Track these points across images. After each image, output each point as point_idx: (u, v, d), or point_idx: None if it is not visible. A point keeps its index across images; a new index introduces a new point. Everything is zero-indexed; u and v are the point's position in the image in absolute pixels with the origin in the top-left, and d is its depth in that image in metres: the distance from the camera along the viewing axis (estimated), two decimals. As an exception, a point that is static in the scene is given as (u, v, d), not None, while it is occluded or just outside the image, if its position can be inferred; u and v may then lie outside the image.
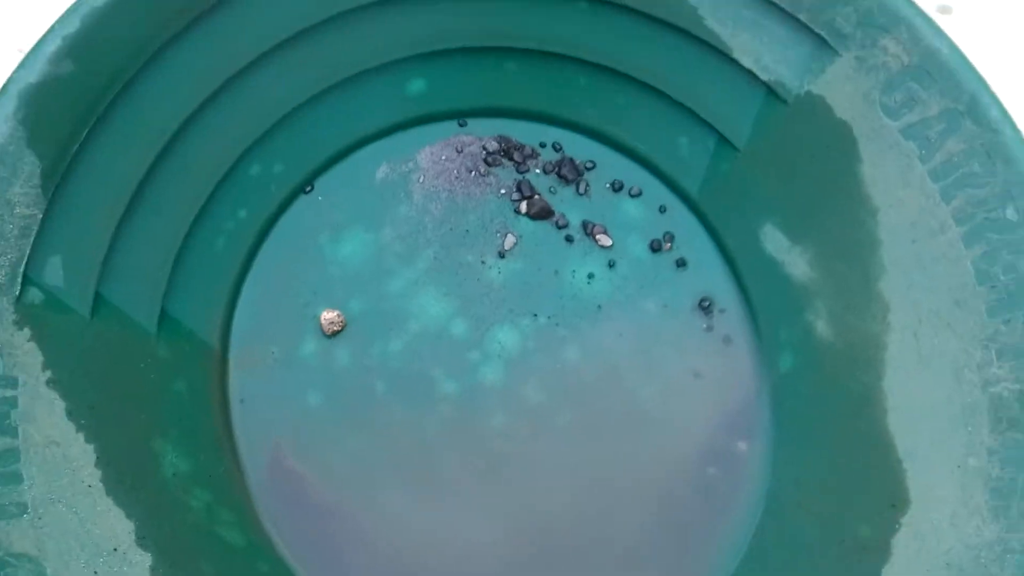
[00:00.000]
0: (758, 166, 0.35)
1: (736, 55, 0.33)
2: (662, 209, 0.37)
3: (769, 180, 0.35)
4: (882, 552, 0.31)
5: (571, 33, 0.35)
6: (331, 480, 0.33)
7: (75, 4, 0.29)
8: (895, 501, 0.31)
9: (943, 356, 0.32)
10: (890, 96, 0.31)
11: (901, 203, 0.32)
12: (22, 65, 0.28)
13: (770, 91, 0.33)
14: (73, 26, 0.28)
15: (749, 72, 0.33)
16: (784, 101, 0.33)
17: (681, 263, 0.36)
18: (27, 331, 0.29)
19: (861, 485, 0.32)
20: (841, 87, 0.32)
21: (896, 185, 0.32)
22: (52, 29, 0.28)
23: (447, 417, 0.34)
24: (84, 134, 0.29)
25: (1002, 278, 0.31)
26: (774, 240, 0.35)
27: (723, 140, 0.35)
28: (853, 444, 0.33)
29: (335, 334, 0.34)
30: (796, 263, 0.35)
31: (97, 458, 0.29)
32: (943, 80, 0.30)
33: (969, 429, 0.31)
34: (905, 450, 0.32)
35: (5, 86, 0.28)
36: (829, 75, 0.32)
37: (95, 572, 0.28)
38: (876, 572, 0.31)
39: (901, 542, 0.31)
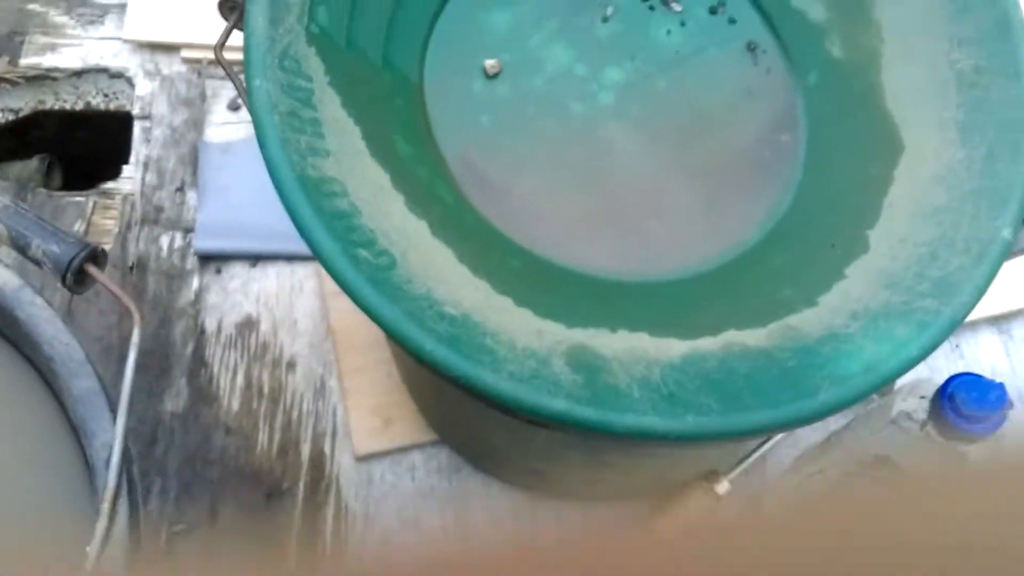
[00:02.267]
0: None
1: None
2: (715, -16, 0.52)
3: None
4: (887, 181, 0.46)
5: None
6: (498, 169, 0.47)
7: None
8: (894, 148, 0.46)
9: (921, 52, 0.47)
10: None
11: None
12: None
13: None
14: None
15: None
16: None
17: (732, 20, 0.51)
18: (313, 48, 0.43)
19: (870, 145, 0.47)
20: None
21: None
22: None
23: (578, 125, 0.48)
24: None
25: (958, -6, 0.46)
26: (798, -5, 0.50)
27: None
28: (863, 121, 0.48)
29: (495, 75, 0.49)
30: (815, 9, 0.50)
31: (361, 133, 0.44)
32: None
33: (943, 94, 0.46)
34: (899, 117, 0.47)
35: None
36: None
37: (375, 196, 0.42)
38: (883, 193, 0.46)
39: (900, 172, 0.46)
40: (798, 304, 0.42)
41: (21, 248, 0.38)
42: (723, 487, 0.62)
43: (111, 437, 0.35)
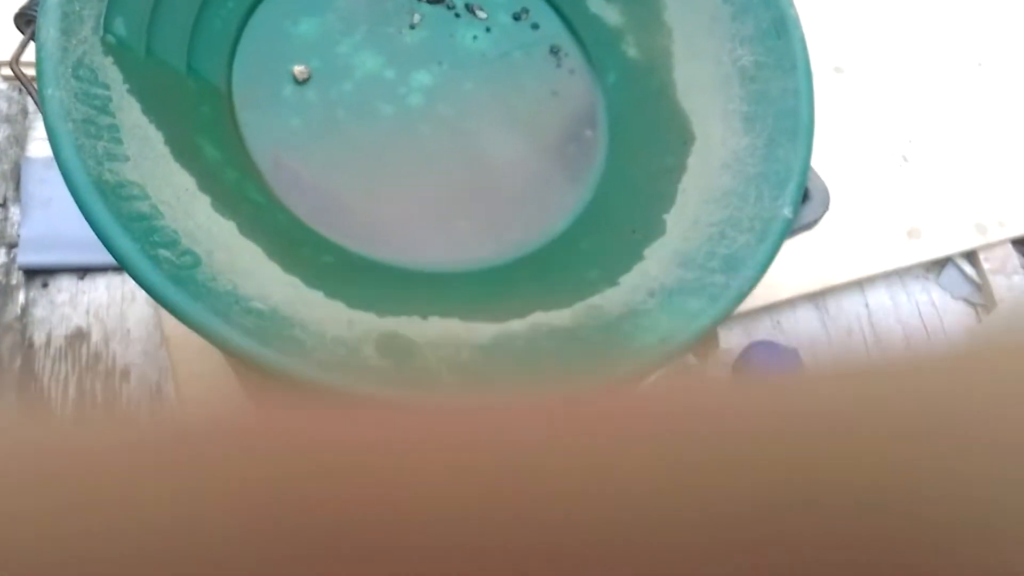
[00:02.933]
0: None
1: None
2: (517, -8, 0.54)
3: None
4: (680, 170, 0.49)
5: None
6: (310, 170, 0.48)
7: None
8: (685, 139, 0.49)
9: (707, 51, 0.50)
10: None
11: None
12: None
13: None
14: None
15: None
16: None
17: (535, 26, 0.54)
18: (110, 58, 0.43)
19: (665, 137, 0.50)
20: None
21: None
22: None
23: (389, 126, 0.50)
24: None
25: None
26: (595, 2, 0.53)
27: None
28: (658, 115, 0.50)
29: (305, 81, 0.50)
30: (610, 14, 0.53)
31: (164, 138, 0.44)
32: None
33: (727, 88, 0.49)
34: (690, 109, 0.50)
35: None
36: None
37: (178, 199, 0.42)
38: (678, 181, 0.48)
39: (692, 161, 0.49)
40: (601, 285, 0.44)
41: None
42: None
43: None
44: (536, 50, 0.53)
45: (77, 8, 0.43)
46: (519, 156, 0.50)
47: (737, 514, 0.15)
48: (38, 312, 0.67)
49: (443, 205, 0.48)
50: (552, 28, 0.53)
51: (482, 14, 0.53)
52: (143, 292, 0.39)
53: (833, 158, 0.78)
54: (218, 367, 0.64)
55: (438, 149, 0.49)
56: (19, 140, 0.72)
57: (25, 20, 0.46)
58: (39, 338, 0.66)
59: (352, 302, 0.42)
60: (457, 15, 0.53)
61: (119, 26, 0.44)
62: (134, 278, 0.38)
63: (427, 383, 0.39)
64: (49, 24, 0.41)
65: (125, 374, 0.65)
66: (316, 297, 0.41)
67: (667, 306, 0.43)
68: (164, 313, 0.67)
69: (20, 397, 0.63)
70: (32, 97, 0.44)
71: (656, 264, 0.45)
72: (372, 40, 0.51)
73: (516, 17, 0.53)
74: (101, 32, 0.43)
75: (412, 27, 0.52)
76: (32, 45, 0.45)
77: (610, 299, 0.43)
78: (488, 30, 0.53)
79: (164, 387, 0.65)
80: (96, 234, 0.39)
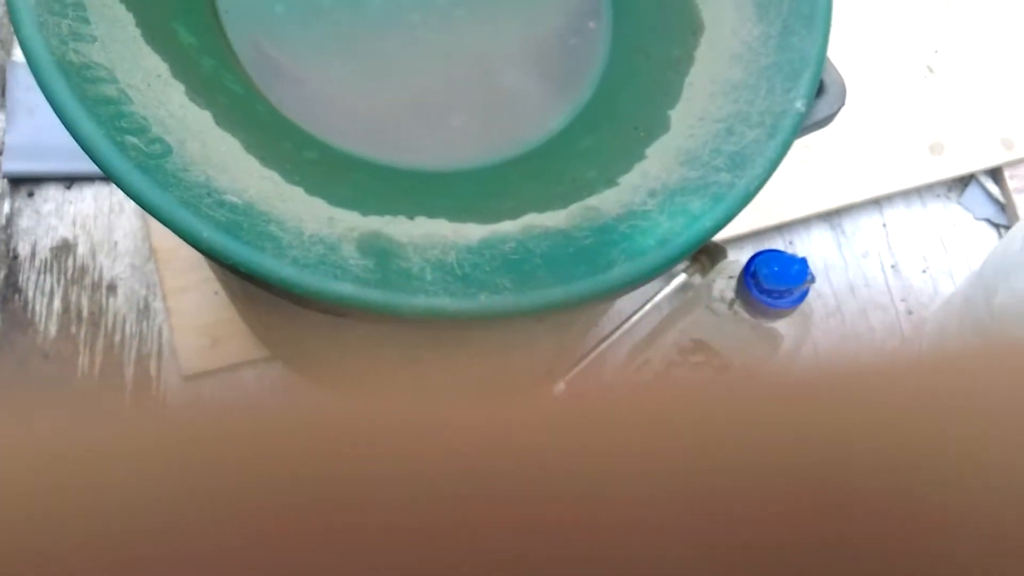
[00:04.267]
0: None
1: None
2: None
3: None
4: (688, 62, 0.45)
5: None
6: (293, 60, 0.45)
7: None
8: (694, 29, 0.46)
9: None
10: None
11: None
12: None
13: None
14: None
15: None
16: None
17: (536, -93, 0.50)
18: (75, -72, 0.40)
19: (673, 26, 0.46)
20: None
21: None
22: None
23: (378, 15, 0.46)
24: None
25: None
26: None
27: None
28: (665, 4, 0.47)
29: (289, -36, 0.46)
30: None
31: (135, 21, 0.41)
32: None
33: (740, -27, 0.46)
34: None
35: None
36: None
37: (149, 85, 0.39)
38: (684, 74, 0.45)
39: (701, 52, 0.45)
40: (599, 185, 0.42)
41: None
42: (559, 388, 0.62)
43: None
44: (537, -66, 0.49)
45: None
46: (517, 48, 0.47)
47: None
48: (23, 222, 0.64)
49: (435, 99, 0.45)
50: (555, -90, 0.49)
51: None
52: (131, 204, 0.36)
53: (852, 64, 0.74)
54: (206, 282, 0.62)
55: (430, 39, 0.46)
56: (3, 44, 0.69)
57: None
58: (24, 249, 0.63)
59: (334, 200, 0.39)
60: None
61: None
62: (98, 164, 0.36)
63: (409, 285, 0.36)
64: None
65: (112, 288, 0.63)
66: (295, 193, 0.39)
67: (667, 206, 0.40)
68: (153, 225, 0.65)
69: (3, 310, 0.61)
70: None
71: (658, 163, 0.42)
72: (362, -80, 0.47)
73: (517, -102, 0.49)
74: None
75: (405, -93, 0.48)
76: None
77: (608, 200, 0.41)
78: (487, -89, 0.49)
79: (152, 303, 0.63)
80: (58, 117, 0.36)
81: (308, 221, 0.38)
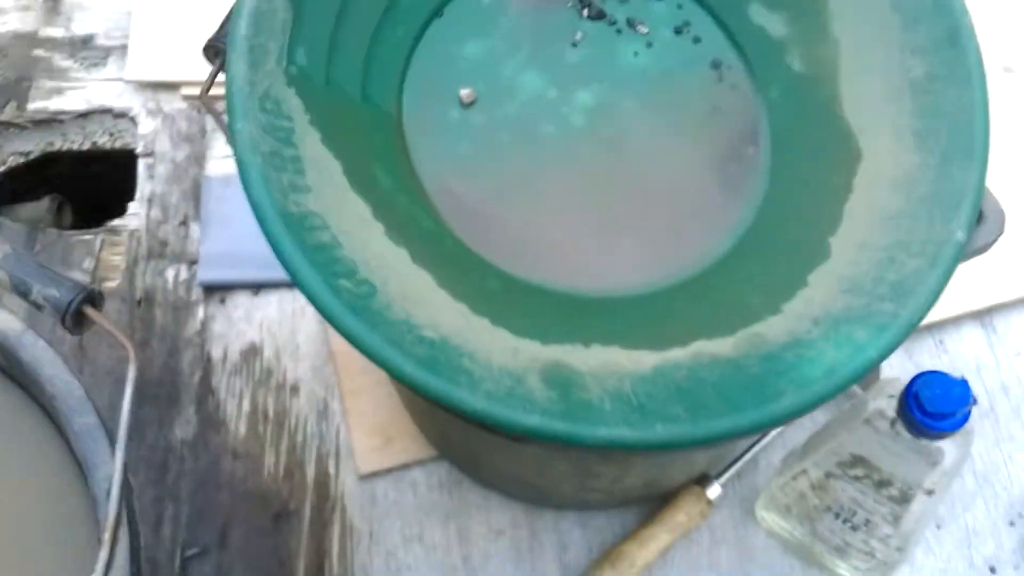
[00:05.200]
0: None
1: None
2: (679, 6, 0.53)
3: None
4: (847, 189, 0.47)
5: None
6: (475, 194, 0.49)
7: None
8: (853, 157, 0.48)
9: (876, 62, 0.48)
10: None
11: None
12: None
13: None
14: None
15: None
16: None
17: (696, 39, 0.53)
18: (293, 88, 0.45)
19: (830, 154, 0.49)
20: None
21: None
22: None
23: (551, 148, 0.50)
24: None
25: (906, 6, 0.48)
26: (758, 13, 0.52)
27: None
28: (823, 131, 0.49)
29: (471, 104, 0.51)
30: (775, 25, 0.51)
31: (342, 168, 0.45)
32: None
33: (898, 102, 0.48)
34: (857, 125, 0.48)
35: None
36: None
37: (355, 228, 0.44)
38: (844, 201, 0.47)
39: (859, 180, 0.47)
40: (764, 312, 0.44)
41: (23, 293, 0.39)
42: (714, 491, 0.64)
43: (112, 469, 0.37)
44: (698, 65, 0.52)
45: (263, 41, 0.45)
46: (680, 175, 0.50)
47: None
48: (216, 327, 0.70)
49: (604, 227, 0.48)
50: (714, 41, 0.52)
51: (643, 29, 0.52)
52: (312, 309, 0.41)
53: (1002, 165, 0.74)
54: (380, 384, 0.66)
55: (599, 169, 0.49)
56: (198, 159, 0.76)
57: (214, 52, 0.48)
58: (217, 353, 0.69)
59: (517, 329, 0.42)
60: (619, 31, 0.52)
61: (300, 56, 0.46)
62: (315, 307, 0.40)
63: (591, 416, 0.39)
64: (238, 58, 0.44)
65: (295, 389, 0.68)
66: (482, 324, 0.42)
67: (832, 336, 0.42)
68: (331, 329, 0.70)
69: (199, 411, 0.66)
70: (221, 127, 0.46)
71: (821, 290, 0.44)
72: (535, 59, 0.51)
73: (677, 31, 0.53)
74: (284, 63, 0.45)
75: (574, 45, 0.52)
76: (220, 76, 0.47)
77: (773, 327, 0.43)
78: (649, 45, 0.52)
79: (330, 403, 0.68)
80: (281, 264, 0.41)
81: (496, 353, 0.41)
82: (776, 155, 0.50)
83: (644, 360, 0.42)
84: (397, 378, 0.40)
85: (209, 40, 0.48)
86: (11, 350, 0.40)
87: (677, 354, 0.42)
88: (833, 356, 0.41)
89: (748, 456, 0.64)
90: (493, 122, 0.50)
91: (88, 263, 0.71)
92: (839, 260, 0.45)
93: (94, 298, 0.40)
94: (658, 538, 0.62)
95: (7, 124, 0.77)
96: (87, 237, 0.73)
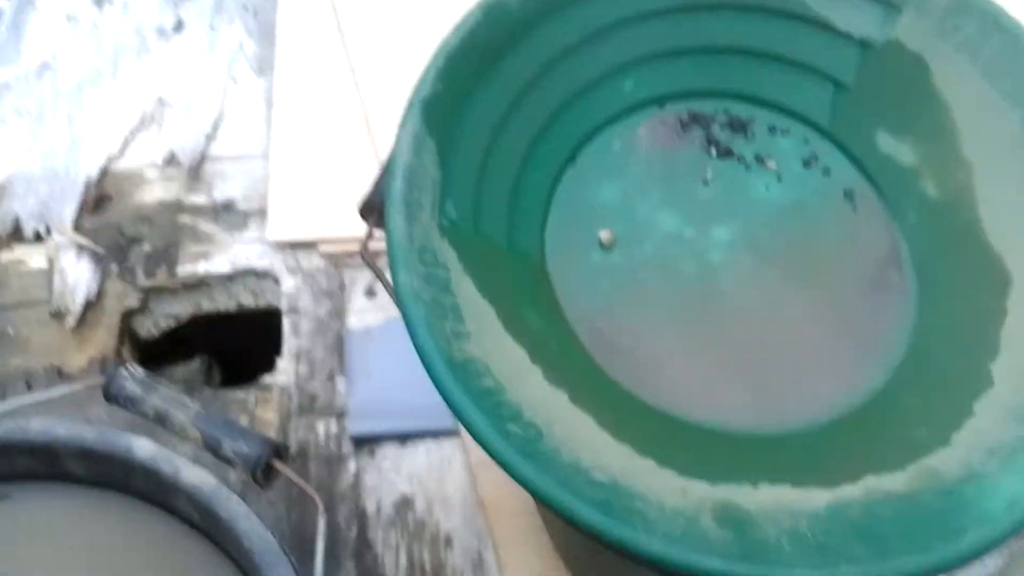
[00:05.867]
0: (865, 96, 0.52)
1: (836, 24, 0.51)
2: (806, 140, 0.54)
3: (874, 103, 0.52)
4: (1001, 313, 0.47)
5: (725, 32, 0.53)
6: (624, 333, 0.49)
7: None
8: (1002, 280, 0.47)
9: (1014, 181, 0.48)
10: (941, 26, 0.49)
11: (964, 95, 0.49)
12: (419, 86, 0.47)
13: (863, 44, 0.51)
14: (445, 52, 0.47)
15: (846, 34, 0.51)
16: (873, 48, 0.51)
17: (826, 171, 0.53)
18: (446, 240, 0.46)
19: (978, 279, 0.48)
20: (910, 29, 0.50)
21: (957, 82, 0.49)
22: (436, 53, 0.47)
23: (693, 285, 0.50)
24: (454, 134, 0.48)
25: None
26: (885, 142, 0.52)
27: (838, 84, 0.53)
28: (967, 254, 0.49)
29: (611, 245, 0.52)
30: (904, 153, 0.52)
31: (496, 313, 0.46)
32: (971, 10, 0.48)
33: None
34: (1001, 248, 0.48)
35: (411, 105, 0.47)
36: (899, 25, 0.50)
37: (515, 372, 0.44)
38: (1000, 324, 0.46)
39: (1012, 302, 0.47)
40: (932, 444, 0.43)
41: (213, 449, 0.40)
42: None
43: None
44: (830, 196, 0.52)
45: (416, 197, 0.46)
46: (825, 307, 0.49)
47: None
48: (368, 480, 0.71)
49: (754, 363, 0.48)
50: (844, 172, 0.53)
51: (772, 164, 0.53)
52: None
53: None
54: (532, 531, 0.66)
55: (742, 304, 0.49)
56: (339, 313, 0.78)
57: (368, 210, 0.50)
58: (371, 506, 0.70)
59: (683, 470, 0.42)
60: (747, 167, 0.53)
61: (451, 209, 0.47)
62: (489, 453, 0.40)
63: (769, 556, 0.38)
64: (396, 213, 0.45)
65: (448, 542, 0.68)
66: (649, 465, 0.42)
67: (1010, 466, 0.41)
68: (479, 478, 0.70)
69: (358, 566, 0.66)
70: (382, 282, 0.47)
71: (989, 419, 0.43)
72: (669, 199, 0.52)
73: (806, 163, 0.53)
74: (437, 216, 0.46)
75: (705, 183, 0.53)
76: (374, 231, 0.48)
77: (946, 460, 0.42)
78: (779, 179, 0.53)
79: (484, 555, 0.67)
80: (453, 412, 0.41)
81: (666, 493, 0.41)
82: (921, 281, 0.50)
83: (816, 498, 0.41)
84: (573, 523, 0.39)
85: (364, 200, 0.50)
86: (207, 505, 0.41)
87: (849, 491, 0.42)
88: (1013, 487, 0.40)
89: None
90: (633, 262, 0.51)
91: (245, 420, 0.72)
92: (1003, 387, 0.44)
93: (281, 452, 0.41)
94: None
95: (159, 289, 0.80)
96: (241, 395, 0.75)
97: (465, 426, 0.41)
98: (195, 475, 0.41)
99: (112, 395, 0.43)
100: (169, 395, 0.42)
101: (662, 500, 0.40)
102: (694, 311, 0.49)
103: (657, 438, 0.44)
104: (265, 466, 0.40)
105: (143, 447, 0.42)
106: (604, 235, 0.51)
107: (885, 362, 0.47)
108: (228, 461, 0.40)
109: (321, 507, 0.38)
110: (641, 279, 0.50)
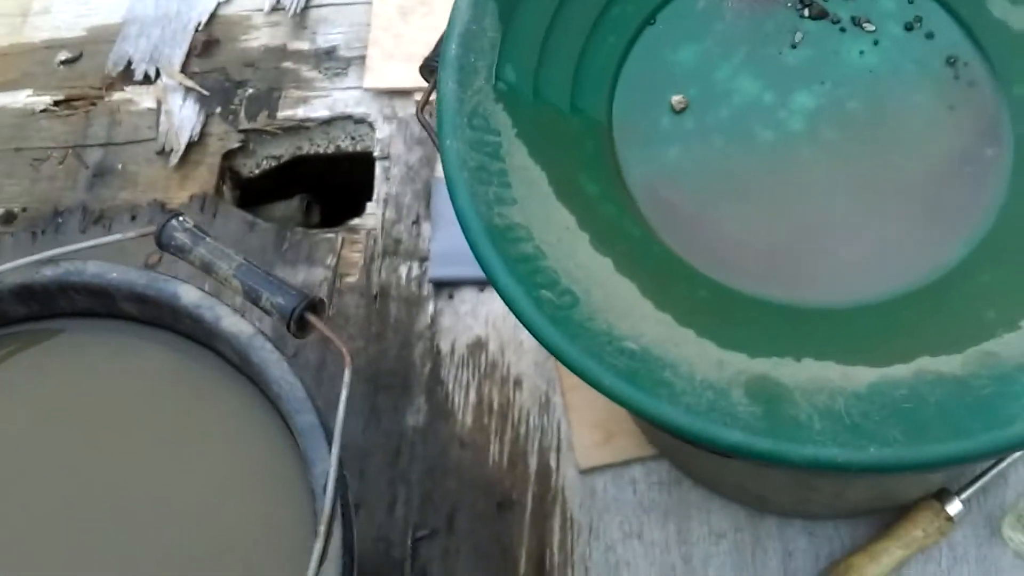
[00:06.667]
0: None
1: None
2: (910, 1, 0.49)
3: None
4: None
5: None
6: (687, 201, 0.47)
7: None
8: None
9: None
10: None
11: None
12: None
13: None
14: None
15: None
16: None
17: (929, 35, 0.49)
18: (501, 104, 0.45)
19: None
20: None
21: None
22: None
23: (767, 153, 0.47)
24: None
25: None
26: (1000, 6, 0.47)
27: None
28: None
29: (682, 110, 0.49)
30: (1019, 17, 0.47)
31: (548, 179, 0.45)
32: None
33: None
34: None
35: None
36: None
37: (559, 238, 0.43)
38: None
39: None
40: (999, 328, 0.40)
41: (254, 300, 0.42)
42: (955, 508, 0.59)
43: (328, 465, 0.39)
44: (930, 62, 0.48)
45: (472, 60, 0.45)
46: (909, 179, 0.46)
47: None
48: (445, 322, 0.73)
49: (824, 235, 0.45)
50: (949, 37, 0.48)
51: (870, 27, 0.49)
52: None
53: None
54: None
55: (820, 175, 0.46)
56: (429, 161, 0.79)
57: (429, 70, 0.49)
58: (445, 346, 0.72)
59: (723, 341, 0.41)
60: (843, 29, 0.49)
61: (509, 73, 0.46)
62: (518, 318, 0.40)
63: (798, 434, 0.37)
64: (447, 78, 0.44)
65: (518, 383, 0.69)
66: (687, 336, 0.41)
67: (1078, 356, 0.37)
68: None
69: (429, 401, 0.69)
70: (433, 142, 0.47)
71: (1065, 305, 0.39)
72: (751, 63, 0.49)
73: (908, 27, 0.49)
74: (493, 80, 0.45)
75: (794, 46, 0.49)
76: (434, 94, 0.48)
77: (1009, 345, 0.39)
78: (876, 43, 0.49)
79: (552, 398, 0.68)
80: (486, 276, 0.41)
81: (699, 365, 0.40)
82: (1019, 156, 0.45)
83: (860, 376, 0.39)
84: (598, 389, 0.39)
85: (425, 59, 0.49)
86: (243, 351, 0.43)
87: (898, 371, 0.39)
88: (1075, 378, 0.37)
89: (995, 471, 0.58)
90: (705, 128, 0.48)
91: (331, 259, 0.75)
92: (1087, 272, 0.40)
93: (316, 306, 0.42)
94: (891, 553, 0.58)
95: (260, 131, 0.83)
96: (329, 235, 0.78)
97: (498, 292, 0.41)
98: (234, 322, 0.43)
99: (163, 243, 0.45)
100: (214, 247, 0.44)
101: (693, 371, 0.39)
102: (765, 180, 0.47)
103: (705, 308, 0.43)
104: (299, 318, 0.42)
105: (188, 293, 0.44)
106: (676, 100, 0.49)
107: (966, 239, 0.44)
108: (266, 311, 0.42)
109: (348, 359, 0.40)
110: (712, 145, 0.48)
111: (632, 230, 0.46)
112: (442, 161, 0.43)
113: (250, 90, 0.84)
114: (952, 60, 0.47)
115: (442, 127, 0.43)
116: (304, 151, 0.84)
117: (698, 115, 0.48)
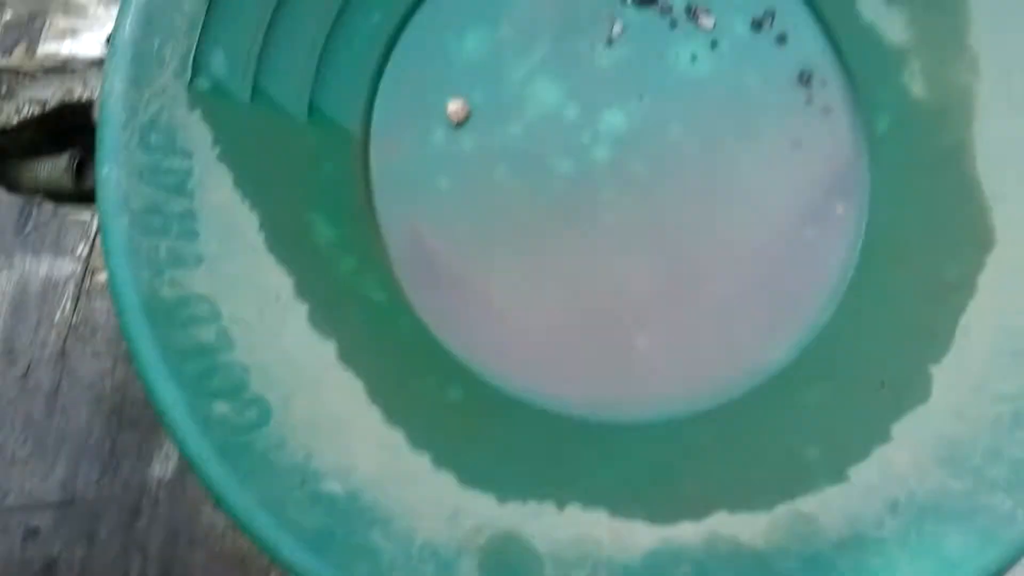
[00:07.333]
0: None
1: None
2: (761, -9, 0.37)
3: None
4: (966, 291, 0.32)
5: None
6: (458, 253, 0.35)
7: None
8: (982, 241, 0.32)
9: (1035, 102, 0.32)
10: None
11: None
12: None
13: None
14: None
15: None
16: None
17: (782, 38, 0.37)
18: (198, 112, 0.32)
19: (950, 231, 0.33)
20: None
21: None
22: None
23: (561, 193, 0.36)
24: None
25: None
26: (871, 5, 0.36)
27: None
28: (944, 194, 0.33)
29: (461, 122, 0.37)
30: (892, 25, 0.35)
31: (260, 223, 0.33)
32: None
33: (1060, 167, 0.31)
34: (992, 194, 0.32)
35: None
36: None
37: (262, 313, 0.31)
38: (960, 310, 0.31)
39: (985, 278, 0.32)
40: (821, 475, 0.30)
41: None
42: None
43: None
44: (778, 77, 0.37)
45: (156, 46, 0.32)
46: (733, 242, 0.35)
47: None
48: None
49: (618, 315, 0.34)
50: (806, 43, 0.37)
51: (707, 22, 0.37)
52: None
53: None
54: None
55: (624, 231, 0.35)
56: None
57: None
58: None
59: (467, 473, 0.30)
60: (673, 23, 0.37)
61: (217, 63, 0.33)
62: (173, 441, 0.28)
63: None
64: (115, 73, 0.31)
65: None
66: (419, 466, 0.30)
67: (913, 537, 0.28)
68: None
69: None
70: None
71: (907, 453, 0.29)
72: (554, 61, 0.37)
73: (757, 24, 0.37)
74: (188, 76, 0.32)
75: (610, 42, 0.37)
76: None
77: (830, 506, 0.29)
78: (714, 45, 0.37)
79: None
80: (138, 374, 0.29)
81: (425, 518, 0.29)
82: (873, 219, 0.35)
83: (636, 540, 0.29)
84: (272, 558, 0.28)
85: (110, 34, 0.36)
86: None
87: (685, 533, 0.29)
88: (909, 573, 0.27)
89: None
90: (488, 150, 0.37)
91: (82, 248, 0.60)
92: (940, 406, 0.30)
93: None
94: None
95: (15, 71, 0.67)
96: (84, 216, 0.63)
97: (149, 398, 0.29)
98: None
99: None
100: None
101: (414, 527, 0.29)
102: (557, 232, 0.36)
103: (450, 416, 0.32)
104: None
105: None
106: (454, 107, 0.37)
107: (792, 335, 0.33)
108: None
109: None
110: (494, 176, 0.36)
111: (375, 293, 0.34)
112: (96, 198, 0.30)
113: (7, 16, 0.67)
114: (806, 77, 0.36)
115: (101, 146, 0.30)
116: (77, 96, 0.68)
117: (481, 130, 0.36)
